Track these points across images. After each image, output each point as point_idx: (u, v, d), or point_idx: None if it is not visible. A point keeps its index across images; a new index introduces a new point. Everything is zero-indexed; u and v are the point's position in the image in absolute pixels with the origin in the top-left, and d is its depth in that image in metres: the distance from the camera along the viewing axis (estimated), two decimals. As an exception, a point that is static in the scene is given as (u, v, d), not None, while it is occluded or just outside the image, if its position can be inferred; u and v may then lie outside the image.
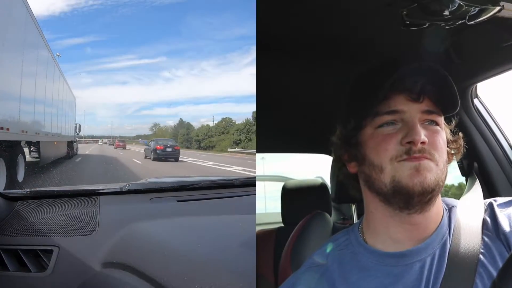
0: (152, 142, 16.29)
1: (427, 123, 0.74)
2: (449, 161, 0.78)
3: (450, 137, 0.78)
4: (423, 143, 0.70)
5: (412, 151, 0.70)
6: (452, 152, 0.78)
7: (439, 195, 0.75)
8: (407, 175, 0.70)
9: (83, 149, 20.79)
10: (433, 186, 0.70)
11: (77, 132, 14.90)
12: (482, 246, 0.70)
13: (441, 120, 0.76)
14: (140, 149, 27.07)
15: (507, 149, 1.33)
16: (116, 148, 29.12)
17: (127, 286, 0.82)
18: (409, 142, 0.71)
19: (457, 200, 0.83)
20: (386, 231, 0.76)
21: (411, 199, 0.71)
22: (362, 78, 0.81)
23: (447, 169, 0.75)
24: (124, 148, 29.87)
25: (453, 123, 0.81)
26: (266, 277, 1.47)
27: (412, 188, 0.70)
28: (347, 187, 0.85)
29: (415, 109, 0.73)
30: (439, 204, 0.76)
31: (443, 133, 0.75)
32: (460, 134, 0.81)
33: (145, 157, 16.18)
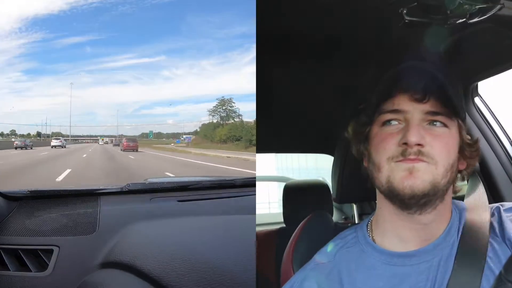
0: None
1: (432, 124, 0.72)
2: (467, 166, 0.77)
3: (466, 140, 0.77)
4: (420, 145, 0.70)
5: (407, 153, 0.70)
6: (468, 155, 0.77)
7: (448, 197, 0.75)
8: (399, 177, 0.70)
9: (71, 156, 13.76)
10: (426, 191, 0.70)
11: None
12: (489, 250, 0.70)
13: (452, 122, 0.74)
14: (180, 154, 18.43)
15: (508, 148, 1.33)
16: (124, 150, 21.26)
17: (127, 286, 0.82)
18: (405, 143, 0.70)
19: (463, 202, 0.82)
20: (393, 229, 0.76)
21: (403, 201, 0.71)
22: (371, 76, 0.82)
23: (453, 173, 0.73)
24: (136, 150, 21.69)
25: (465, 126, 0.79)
26: (267, 278, 1.47)
27: (402, 191, 0.70)
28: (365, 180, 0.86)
29: (418, 109, 0.72)
30: (447, 206, 0.76)
31: (452, 135, 0.74)
32: (477, 137, 0.80)
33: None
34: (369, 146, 0.77)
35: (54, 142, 27.18)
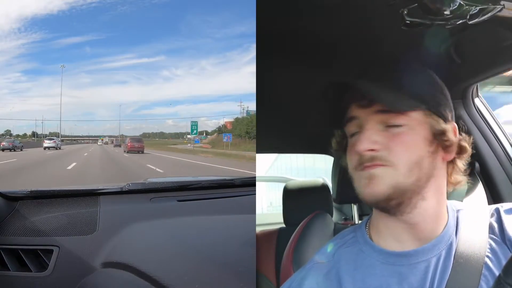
0: None
1: (388, 124, 0.71)
2: (457, 157, 0.75)
3: (436, 130, 0.73)
4: (372, 150, 0.69)
5: (363, 160, 0.70)
6: (457, 150, 0.74)
7: (432, 194, 0.73)
8: (362, 185, 0.71)
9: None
10: (387, 194, 0.69)
11: None
12: (488, 250, 0.70)
13: (407, 117, 0.71)
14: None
15: (508, 149, 1.33)
16: (128, 152, 18.86)
17: (127, 286, 0.82)
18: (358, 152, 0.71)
19: (462, 202, 0.82)
20: (387, 229, 0.76)
21: (372, 206, 0.72)
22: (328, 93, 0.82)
23: (423, 169, 0.70)
24: (142, 151, 19.31)
25: (452, 122, 0.76)
26: (267, 277, 1.47)
27: (365, 199, 0.70)
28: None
29: (368, 112, 0.72)
30: (434, 203, 0.74)
31: (413, 130, 0.71)
32: (453, 124, 0.76)
33: None
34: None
35: (46, 143, 24.55)
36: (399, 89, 0.72)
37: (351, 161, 0.74)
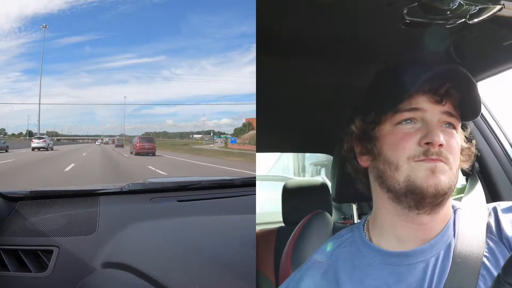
0: None
1: (445, 125, 0.74)
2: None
3: (464, 143, 0.79)
4: (441, 145, 0.71)
5: (430, 153, 0.71)
6: (463, 158, 0.78)
7: (450, 198, 0.75)
8: (422, 176, 0.70)
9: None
10: (446, 190, 0.71)
11: None
12: (485, 249, 0.71)
13: (459, 125, 0.76)
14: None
15: (508, 149, 1.33)
16: (136, 154, 16.10)
17: (127, 286, 0.82)
18: (427, 143, 0.71)
19: (460, 202, 0.83)
20: (392, 230, 0.76)
21: (423, 200, 0.71)
22: (389, 73, 0.81)
23: (458, 173, 0.75)
24: (153, 153, 16.48)
25: (468, 129, 0.81)
26: (267, 277, 1.47)
27: (426, 189, 0.70)
28: (355, 181, 0.85)
29: (437, 110, 0.73)
30: (448, 206, 0.76)
31: (458, 138, 0.76)
32: (473, 141, 0.81)
33: None
34: (381, 145, 0.76)
35: (35, 143, 20.41)
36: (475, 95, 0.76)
37: (405, 150, 0.72)
